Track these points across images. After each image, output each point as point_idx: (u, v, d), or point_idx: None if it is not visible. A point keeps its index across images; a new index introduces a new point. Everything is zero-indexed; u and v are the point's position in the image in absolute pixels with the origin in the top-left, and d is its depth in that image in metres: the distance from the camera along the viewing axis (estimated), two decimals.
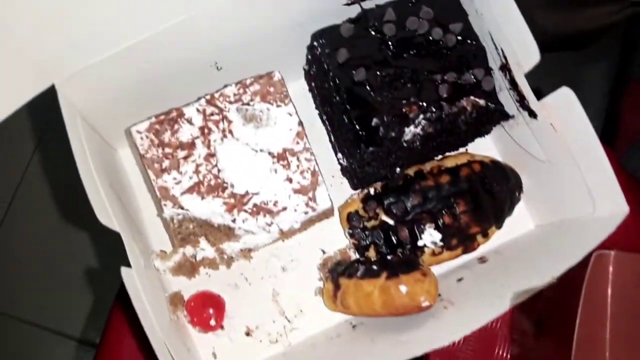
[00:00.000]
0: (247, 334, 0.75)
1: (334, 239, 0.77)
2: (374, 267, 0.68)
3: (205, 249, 0.72)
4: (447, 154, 0.79)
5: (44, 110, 1.37)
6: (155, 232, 0.76)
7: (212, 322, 0.72)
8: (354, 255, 0.76)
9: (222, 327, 0.74)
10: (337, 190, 0.79)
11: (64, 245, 1.44)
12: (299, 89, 0.82)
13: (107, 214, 0.57)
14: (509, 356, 0.77)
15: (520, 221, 0.80)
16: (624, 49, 1.28)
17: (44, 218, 1.46)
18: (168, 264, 0.71)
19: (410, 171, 0.75)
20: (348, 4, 0.73)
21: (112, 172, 0.69)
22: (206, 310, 0.72)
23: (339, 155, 0.79)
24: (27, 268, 1.44)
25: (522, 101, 0.71)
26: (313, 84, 0.80)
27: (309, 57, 0.76)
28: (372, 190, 0.75)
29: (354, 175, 0.75)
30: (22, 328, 1.42)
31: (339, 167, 0.81)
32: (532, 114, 0.70)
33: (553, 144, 0.69)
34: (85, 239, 1.41)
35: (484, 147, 0.81)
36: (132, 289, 0.55)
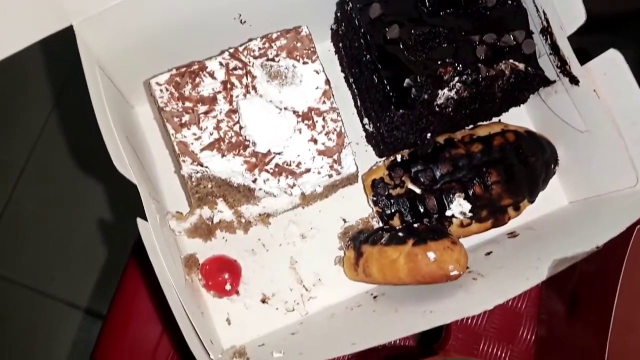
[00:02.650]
0: (263, 301, 0.72)
1: (356, 208, 0.74)
2: (400, 234, 0.65)
3: (223, 211, 0.69)
4: (480, 123, 0.75)
5: (62, 67, 1.35)
6: (171, 193, 0.73)
7: (228, 287, 0.69)
8: (376, 225, 0.73)
9: (237, 293, 0.71)
10: (362, 158, 0.75)
11: (77, 204, 1.43)
12: (324, 51, 0.78)
13: (124, 163, 0.54)
14: (533, 338, 0.74)
15: (553, 196, 0.76)
16: None
17: (59, 176, 1.44)
18: (184, 225, 0.69)
19: (440, 139, 0.72)
20: None
21: (128, 128, 0.66)
22: (222, 275, 0.70)
23: (365, 120, 0.75)
24: (40, 232, 1.43)
25: (563, 66, 0.67)
26: (340, 45, 0.76)
27: (338, 14, 0.72)
28: (398, 157, 0.71)
29: (381, 141, 0.72)
30: (31, 297, 1.41)
31: (363, 134, 0.77)
32: (574, 80, 0.66)
33: (595, 113, 0.65)
34: (99, 199, 1.39)
35: (518, 118, 0.77)
36: (148, 240, 0.52)
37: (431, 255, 0.60)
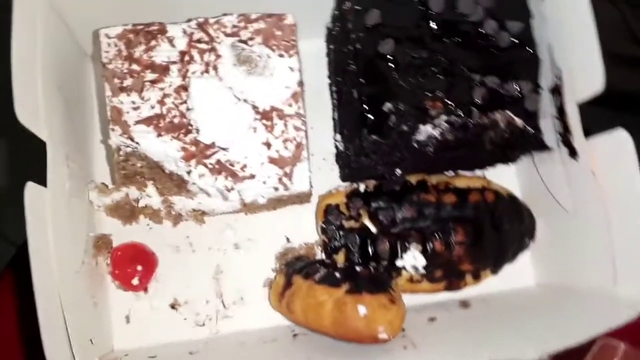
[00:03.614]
0: (173, 306, 0.63)
1: (304, 229, 0.66)
2: (337, 274, 0.56)
3: (151, 197, 0.61)
4: (461, 172, 0.67)
5: None
6: (102, 162, 0.64)
7: (135, 281, 0.61)
8: (319, 255, 0.64)
9: (145, 290, 0.63)
10: (324, 177, 0.67)
11: None
12: (315, 50, 0.70)
13: (32, 115, 0.46)
14: None
15: (520, 272, 0.68)
16: None
17: None
18: (105, 199, 0.60)
19: (412, 178, 0.63)
20: None
21: (69, 77, 0.58)
22: (133, 266, 0.61)
23: (337, 137, 0.67)
24: None
25: (565, 134, 0.59)
26: (332, 47, 0.68)
27: (336, 12, 0.64)
28: (362, 187, 0.63)
29: (347, 164, 0.64)
30: None
31: (334, 151, 0.69)
32: (573, 153, 0.58)
33: (587, 195, 0.57)
34: None
35: (504, 176, 0.69)
36: (35, 210, 0.44)
37: (362, 309, 0.52)
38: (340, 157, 0.67)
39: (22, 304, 0.63)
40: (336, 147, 0.68)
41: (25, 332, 0.62)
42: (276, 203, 0.62)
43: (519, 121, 0.59)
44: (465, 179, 0.66)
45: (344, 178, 0.67)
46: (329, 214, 0.63)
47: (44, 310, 0.43)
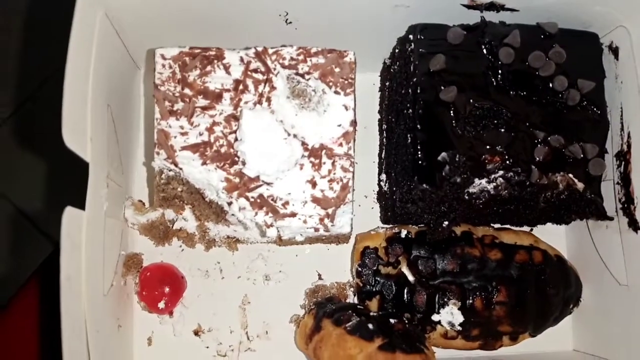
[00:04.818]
0: (196, 333, 0.62)
1: (337, 267, 0.64)
2: (370, 325, 0.54)
3: (187, 220, 0.59)
4: (509, 226, 0.64)
5: None
6: (142, 181, 0.63)
7: (162, 304, 0.59)
8: (351, 297, 0.62)
9: (170, 314, 0.61)
10: (364, 215, 0.65)
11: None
12: (368, 82, 0.68)
13: (78, 137, 0.45)
14: None
15: (559, 336, 0.64)
16: None
17: None
18: (140, 218, 0.59)
19: (458, 229, 0.61)
20: (467, 6, 0.58)
21: (119, 94, 0.57)
22: (161, 288, 0.60)
23: (383, 176, 0.65)
24: None
25: (628, 204, 0.56)
26: (387, 84, 0.65)
27: (397, 50, 0.61)
28: (403, 232, 0.61)
29: (391, 207, 0.61)
30: None
31: (376, 188, 0.67)
32: (634, 225, 0.55)
33: None
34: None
35: (554, 235, 0.65)
36: (69, 237, 0.42)
37: None
38: (383, 198, 0.65)
39: (44, 311, 0.62)
40: (380, 186, 0.66)
41: (45, 343, 0.61)
42: (313, 240, 0.60)
43: (579, 185, 0.55)
44: (513, 234, 0.63)
45: (385, 220, 0.65)
46: (366, 256, 0.60)
47: (68, 338, 0.42)
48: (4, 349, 0.62)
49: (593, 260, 0.61)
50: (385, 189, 0.63)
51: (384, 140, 0.65)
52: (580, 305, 0.64)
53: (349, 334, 0.53)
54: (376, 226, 0.64)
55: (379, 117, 0.68)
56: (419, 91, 0.54)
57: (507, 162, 0.53)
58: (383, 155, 0.65)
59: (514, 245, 0.61)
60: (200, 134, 0.52)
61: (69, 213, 0.43)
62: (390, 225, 0.63)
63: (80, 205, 0.46)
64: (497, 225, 0.64)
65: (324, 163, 0.54)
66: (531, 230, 0.65)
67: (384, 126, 0.65)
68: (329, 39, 0.57)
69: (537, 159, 0.54)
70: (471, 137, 0.54)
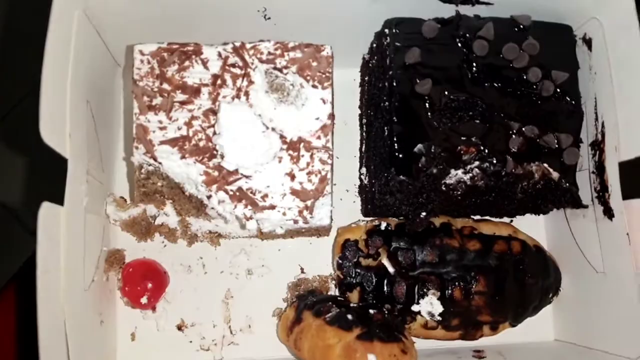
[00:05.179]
0: (179, 327, 0.62)
1: (319, 261, 0.64)
2: (349, 316, 0.54)
3: (169, 215, 0.60)
4: (488, 217, 0.65)
5: None
6: (123, 178, 0.64)
7: (144, 300, 0.60)
8: (333, 290, 0.63)
9: (153, 309, 0.62)
10: (345, 209, 0.65)
11: None
12: (348, 79, 0.68)
13: (57, 133, 0.45)
14: None
15: (539, 326, 0.65)
16: None
17: None
18: (122, 214, 0.59)
19: (436, 220, 0.61)
20: (444, 0, 0.59)
21: (98, 89, 0.57)
22: (143, 283, 0.60)
23: (363, 170, 0.65)
24: None
25: (602, 193, 0.57)
26: (367, 78, 0.66)
27: (374, 45, 0.62)
28: (383, 225, 0.61)
29: (371, 200, 0.62)
30: None
31: (357, 182, 0.67)
32: (609, 213, 0.55)
33: (620, 258, 0.54)
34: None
35: (532, 225, 0.66)
36: (46, 232, 0.43)
37: (371, 358, 0.50)
38: (363, 191, 0.65)
39: (22, 319, 0.62)
40: (361, 180, 0.66)
41: (23, 349, 0.61)
42: (294, 233, 0.61)
43: (554, 174, 0.56)
44: (492, 224, 0.63)
45: (365, 213, 0.65)
46: (346, 249, 0.61)
47: (45, 333, 0.42)
48: None
49: (571, 249, 0.62)
50: (366, 182, 0.64)
51: (364, 134, 0.66)
52: (560, 294, 0.64)
53: (328, 324, 0.54)
54: (357, 219, 0.65)
55: (360, 112, 0.68)
56: (395, 84, 0.55)
57: (483, 152, 0.54)
58: (363, 149, 0.66)
59: (492, 235, 0.62)
60: (179, 129, 0.53)
61: (46, 208, 0.43)
62: (371, 218, 0.64)
63: (60, 201, 0.46)
64: (476, 217, 0.65)
65: (302, 156, 0.55)
66: (511, 221, 0.66)
67: (364, 120, 0.66)
68: (308, 35, 0.57)
69: (512, 149, 0.55)
70: (447, 129, 0.54)
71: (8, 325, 0.62)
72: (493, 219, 0.65)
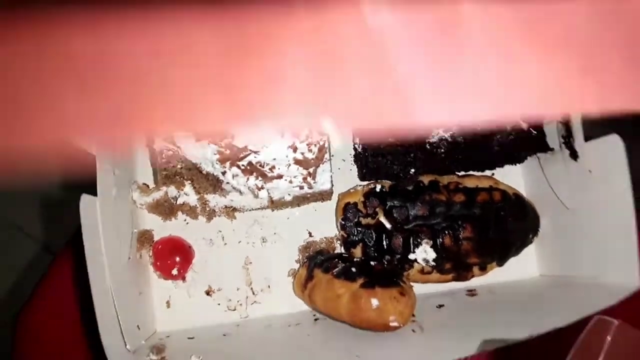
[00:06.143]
0: (208, 293, 0.70)
1: (325, 224, 0.72)
2: (353, 269, 0.62)
3: (189, 194, 0.68)
4: (471, 172, 0.73)
5: None
6: (145, 163, 0.71)
7: (174, 272, 0.68)
8: (339, 248, 0.71)
9: (183, 279, 0.70)
10: (344, 176, 0.73)
11: None
12: None
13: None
14: None
15: (525, 264, 0.73)
16: None
17: None
18: (146, 199, 0.67)
19: (425, 179, 0.69)
20: None
21: None
22: (172, 257, 0.68)
23: (356, 139, 0.73)
24: None
25: (568, 137, 0.64)
26: None
27: None
28: (378, 187, 0.69)
29: (365, 164, 0.70)
30: None
31: (353, 152, 0.75)
32: (574, 154, 0.63)
33: (584, 194, 0.62)
34: None
35: (513, 177, 0.74)
36: (87, 219, 0.51)
37: (374, 302, 0.58)
38: (358, 158, 0.73)
39: (80, 281, 0.69)
40: (355, 149, 0.74)
41: (83, 308, 0.69)
42: (300, 200, 0.69)
43: (524, 124, 0.64)
44: (475, 179, 0.71)
45: (362, 177, 0.73)
46: (347, 211, 0.69)
47: (99, 304, 0.50)
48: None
49: (546, 193, 0.70)
50: (359, 150, 0.72)
51: None
52: (540, 234, 0.72)
53: (336, 278, 0.62)
54: (355, 184, 0.72)
55: None
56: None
57: None
58: None
59: (475, 188, 0.70)
60: None
61: (84, 199, 0.52)
62: (367, 182, 0.71)
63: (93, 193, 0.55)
64: (461, 173, 0.72)
65: (302, 129, 0.62)
66: (492, 174, 0.74)
67: None
68: None
69: None
70: None
71: (67, 286, 0.70)
72: (476, 173, 0.73)
